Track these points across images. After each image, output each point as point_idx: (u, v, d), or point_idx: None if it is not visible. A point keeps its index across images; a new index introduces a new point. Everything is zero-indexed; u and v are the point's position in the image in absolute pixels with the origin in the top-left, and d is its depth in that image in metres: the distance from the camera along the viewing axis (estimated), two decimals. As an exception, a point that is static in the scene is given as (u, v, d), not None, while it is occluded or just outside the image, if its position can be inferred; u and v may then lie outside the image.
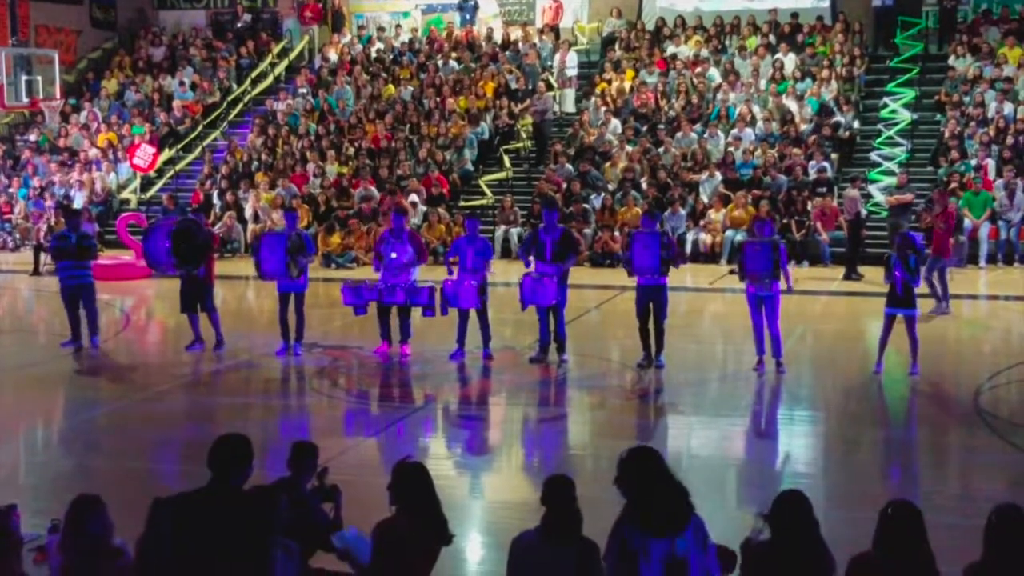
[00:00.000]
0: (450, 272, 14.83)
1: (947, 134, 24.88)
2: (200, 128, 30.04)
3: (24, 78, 25.73)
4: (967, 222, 22.68)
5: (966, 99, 25.74)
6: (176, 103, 30.50)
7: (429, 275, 17.46)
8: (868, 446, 11.59)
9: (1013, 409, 12.91)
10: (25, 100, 26.07)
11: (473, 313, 14.54)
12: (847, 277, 21.28)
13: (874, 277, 18.55)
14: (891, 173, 24.09)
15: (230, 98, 30.90)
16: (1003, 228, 22.85)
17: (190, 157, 29.30)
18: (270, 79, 31.53)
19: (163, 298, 19.94)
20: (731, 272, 14.46)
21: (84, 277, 15.56)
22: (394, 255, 14.67)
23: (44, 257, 23.69)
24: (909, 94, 26.31)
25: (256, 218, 25.79)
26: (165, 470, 10.68)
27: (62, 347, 15.51)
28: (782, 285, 13.82)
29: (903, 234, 14.42)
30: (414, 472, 6.25)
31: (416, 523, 6.09)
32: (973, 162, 23.92)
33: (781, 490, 5.89)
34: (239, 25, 33.03)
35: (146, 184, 28.50)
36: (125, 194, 28.32)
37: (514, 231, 24.28)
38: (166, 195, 26.72)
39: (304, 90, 29.99)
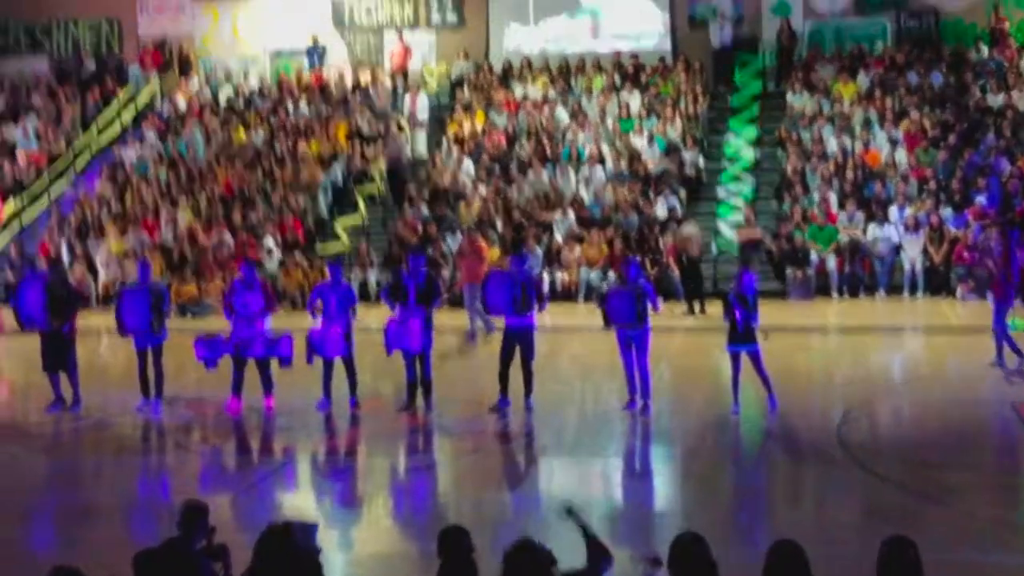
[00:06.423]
0: (314, 317, 14.76)
1: (789, 170, 25.62)
2: (46, 178, 29.28)
3: None
4: (813, 255, 23.37)
5: (805, 135, 26.56)
6: (20, 152, 29.71)
7: (290, 324, 17.31)
8: (730, 483, 11.91)
9: (869, 438, 13.37)
10: None
11: (338, 361, 14.49)
12: (691, 312, 21.81)
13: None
14: (738, 209, 24.72)
15: (75, 146, 30.20)
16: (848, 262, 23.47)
17: (36, 208, 28.54)
18: (117, 126, 30.92)
19: (13, 356, 19.41)
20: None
21: None
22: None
23: None
24: (751, 131, 27.08)
25: (108, 268, 25.24)
26: (29, 536, 10.41)
27: None
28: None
29: (738, 274, 14.86)
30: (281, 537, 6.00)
31: None
32: (816, 196, 24.63)
33: (678, 533, 5.75)
34: (83, 72, 32.34)
35: (-10, 236, 27.68)
36: (-32, 247, 27.45)
37: (372, 274, 24.18)
38: (12, 247, 25.96)
39: (152, 135, 29.49)
